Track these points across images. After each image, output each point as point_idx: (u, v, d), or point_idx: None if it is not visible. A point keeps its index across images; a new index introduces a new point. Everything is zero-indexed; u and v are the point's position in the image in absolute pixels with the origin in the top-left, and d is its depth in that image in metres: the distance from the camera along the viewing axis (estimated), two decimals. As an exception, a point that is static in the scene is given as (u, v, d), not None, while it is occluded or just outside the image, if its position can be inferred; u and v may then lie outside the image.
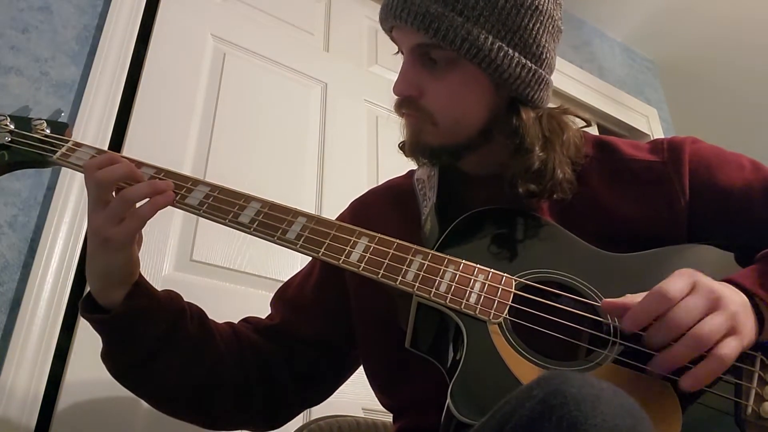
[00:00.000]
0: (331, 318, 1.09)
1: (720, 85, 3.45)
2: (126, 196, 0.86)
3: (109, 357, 0.94)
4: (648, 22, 3.25)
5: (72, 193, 1.51)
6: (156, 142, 1.68)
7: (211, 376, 0.98)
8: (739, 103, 3.48)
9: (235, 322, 1.10)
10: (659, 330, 0.72)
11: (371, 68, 2.33)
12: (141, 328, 0.91)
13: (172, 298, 0.97)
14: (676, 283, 0.73)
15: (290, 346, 1.07)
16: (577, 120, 1.03)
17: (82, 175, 1.52)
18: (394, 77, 0.97)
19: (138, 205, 0.88)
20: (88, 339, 1.37)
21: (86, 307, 0.92)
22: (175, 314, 0.95)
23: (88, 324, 0.87)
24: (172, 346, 0.94)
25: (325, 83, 2.15)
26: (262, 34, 2.11)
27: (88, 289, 0.93)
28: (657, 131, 3.15)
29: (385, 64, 2.33)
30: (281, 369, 1.05)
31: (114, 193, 0.88)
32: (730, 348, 0.71)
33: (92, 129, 1.60)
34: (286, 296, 1.15)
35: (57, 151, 0.98)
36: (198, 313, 1.00)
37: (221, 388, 0.99)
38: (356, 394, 1.46)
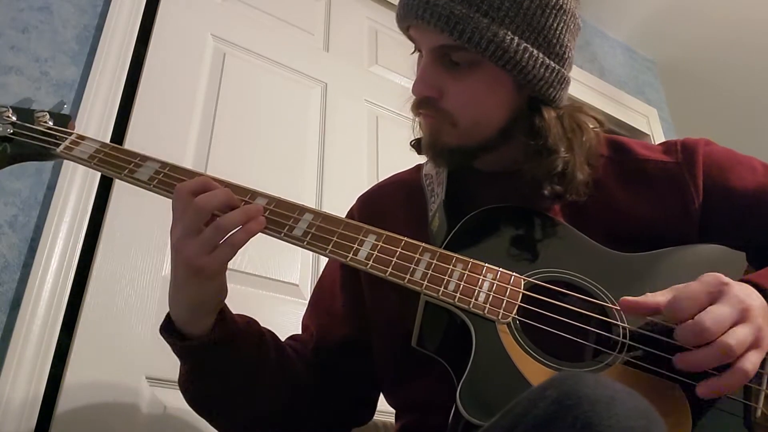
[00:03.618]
0: (363, 317, 1.07)
1: (720, 85, 3.45)
2: (222, 225, 0.82)
3: (189, 386, 0.92)
4: (649, 23, 3.25)
5: (72, 193, 1.50)
6: (156, 143, 1.67)
7: (289, 399, 0.98)
8: (739, 103, 3.49)
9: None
10: (686, 333, 0.70)
11: (371, 68, 2.32)
12: (228, 357, 0.90)
13: (249, 323, 0.96)
14: (696, 291, 0.72)
15: (335, 355, 1.06)
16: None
17: (82, 175, 1.52)
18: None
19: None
20: (88, 339, 1.37)
21: (169, 333, 0.89)
22: (256, 340, 0.95)
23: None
24: (256, 374, 0.93)
25: (325, 83, 2.14)
26: (262, 34, 2.10)
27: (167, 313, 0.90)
28: (657, 131, 3.15)
29: (385, 64, 2.33)
30: (335, 384, 1.05)
31: None
32: (753, 363, 0.69)
33: (92, 129, 1.59)
34: (319, 307, 1.14)
35: (60, 144, 0.96)
36: (272, 336, 1.00)
37: (298, 411, 0.99)
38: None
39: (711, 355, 0.68)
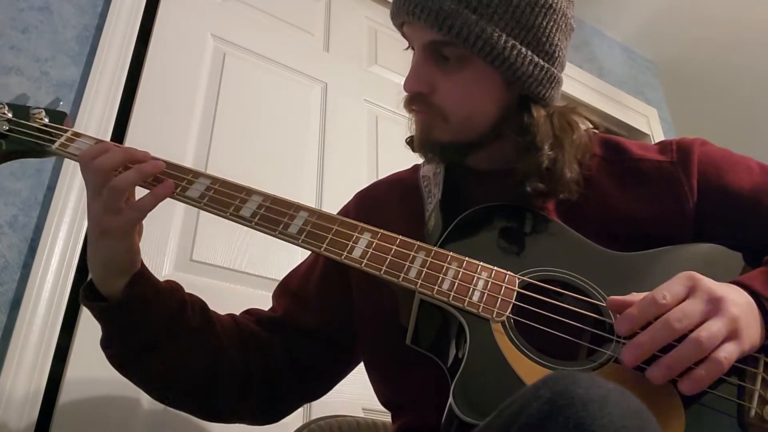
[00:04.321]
0: (333, 311, 1.09)
1: (720, 85, 3.45)
2: (115, 186, 0.85)
3: (108, 345, 0.93)
4: (648, 23, 3.25)
5: (72, 193, 1.51)
6: (156, 143, 1.67)
7: (212, 366, 0.98)
8: (739, 103, 3.48)
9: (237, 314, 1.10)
10: (656, 332, 0.70)
11: (371, 68, 2.33)
12: (140, 317, 0.91)
13: (173, 288, 0.96)
14: (672, 286, 0.73)
15: (292, 337, 1.07)
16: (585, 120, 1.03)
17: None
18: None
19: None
20: (88, 339, 1.37)
21: (87, 295, 0.92)
22: (175, 304, 0.95)
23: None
24: (172, 336, 0.94)
25: (325, 83, 2.15)
26: (262, 34, 2.10)
27: (89, 277, 0.92)
28: (657, 131, 3.15)
29: (385, 64, 2.33)
30: (282, 361, 1.05)
31: None
32: (727, 352, 0.69)
33: (92, 129, 1.59)
34: (289, 288, 1.14)
35: (56, 141, 0.96)
36: (199, 304, 1.00)
37: (222, 379, 0.98)
38: (356, 394, 1.45)
39: (684, 350, 0.69)
